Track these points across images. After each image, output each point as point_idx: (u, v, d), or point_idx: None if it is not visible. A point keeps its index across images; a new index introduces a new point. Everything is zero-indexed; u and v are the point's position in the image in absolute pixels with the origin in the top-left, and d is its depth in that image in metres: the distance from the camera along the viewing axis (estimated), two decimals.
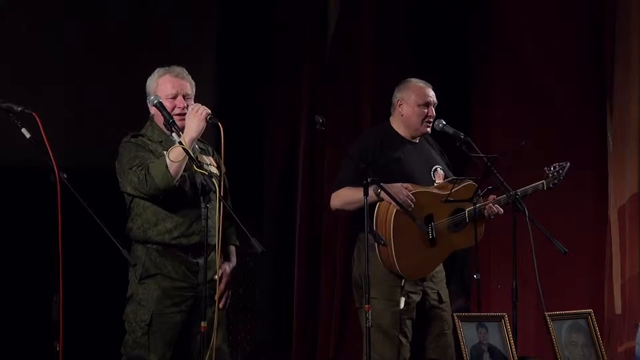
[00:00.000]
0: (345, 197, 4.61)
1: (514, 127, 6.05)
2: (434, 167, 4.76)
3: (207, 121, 3.87)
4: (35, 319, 4.41)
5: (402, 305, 4.56)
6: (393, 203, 4.44)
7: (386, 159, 4.65)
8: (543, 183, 4.68)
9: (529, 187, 4.65)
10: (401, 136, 4.76)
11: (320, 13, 6.77)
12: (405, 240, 4.52)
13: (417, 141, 4.79)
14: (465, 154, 4.67)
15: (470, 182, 4.65)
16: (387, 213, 4.52)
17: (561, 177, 4.69)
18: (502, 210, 4.64)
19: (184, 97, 4.04)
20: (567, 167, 4.69)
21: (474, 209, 4.59)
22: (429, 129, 4.75)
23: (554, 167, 4.69)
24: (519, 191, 4.59)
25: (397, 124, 4.78)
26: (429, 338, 4.69)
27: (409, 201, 4.48)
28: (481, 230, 4.69)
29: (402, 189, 4.49)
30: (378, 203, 4.52)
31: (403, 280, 4.56)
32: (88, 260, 5.40)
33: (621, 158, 5.78)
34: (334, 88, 6.69)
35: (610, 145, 5.86)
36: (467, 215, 4.61)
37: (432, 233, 4.58)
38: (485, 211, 4.63)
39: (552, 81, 6.09)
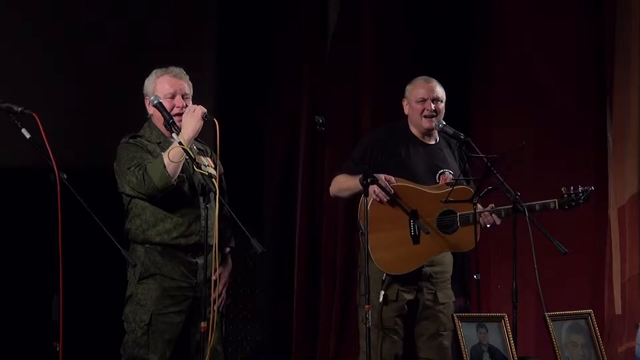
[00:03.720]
0: (339, 183, 4.68)
1: (514, 127, 6.05)
2: (442, 170, 4.71)
3: (203, 119, 3.88)
4: (35, 319, 4.41)
5: (380, 299, 4.52)
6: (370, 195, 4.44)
7: (387, 154, 4.65)
8: (555, 202, 4.52)
9: (536, 204, 4.52)
10: (413, 135, 4.75)
11: (320, 13, 6.77)
12: (382, 232, 4.49)
13: (432, 143, 4.76)
14: (465, 154, 4.66)
15: (465, 186, 4.61)
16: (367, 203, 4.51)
17: (580, 201, 4.50)
18: (499, 221, 4.55)
19: (182, 96, 4.05)
20: (589, 191, 4.51)
21: (475, 211, 4.54)
22: (431, 125, 4.68)
23: (574, 189, 4.51)
24: (526, 205, 4.46)
25: (410, 123, 4.79)
26: (422, 338, 4.66)
27: (381, 195, 4.45)
28: (477, 236, 4.60)
29: (381, 178, 4.43)
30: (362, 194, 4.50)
31: (384, 275, 4.54)
32: (88, 260, 5.39)
33: (621, 158, 5.78)
34: (334, 88, 6.69)
35: (610, 145, 5.86)
36: (458, 219, 4.58)
37: (414, 230, 4.55)
38: (481, 219, 4.55)
39: (552, 81, 6.09)
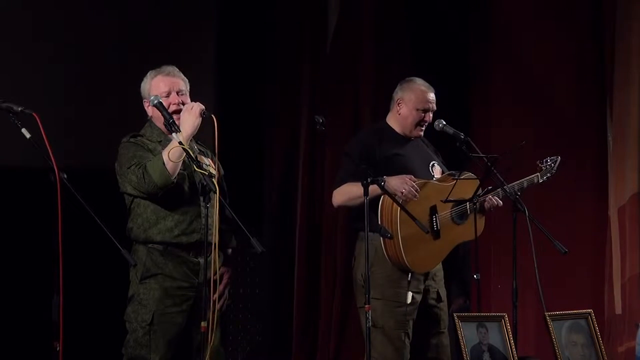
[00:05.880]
0: (348, 192, 4.60)
1: (514, 127, 6.05)
2: (432, 163, 4.77)
3: (201, 116, 3.89)
4: (35, 319, 4.41)
5: (409, 300, 4.54)
6: (397, 196, 4.45)
7: (386, 155, 4.66)
8: (537, 176, 4.69)
9: (524, 180, 4.67)
10: (398, 133, 4.77)
11: (320, 13, 6.77)
12: (412, 232, 4.49)
13: (413, 139, 4.80)
14: (465, 154, 4.67)
15: (472, 175, 4.66)
16: (392, 205, 4.50)
17: (553, 171, 4.70)
18: (501, 202, 4.66)
19: (177, 93, 4.06)
20: (558, 161, 4.70)
21: (476, 201, 4.59)
22: (421, 133, 4.78)
23: (546, 161, 4.71)
24: (515, 184, 4.61)
25: (394, 122, 4.79)
26: (426, 337, 4.68)
27: (414, 191, 4.48)
28: (481, 224, 4.69)
29: (405, 180, 4.49)
30: (382, 196, 4.51)
31: (410, 275, 4.55)
32: (88, 260, 5.40)
33: (621, 158, 5.78)
34: (334, 88, 6.69)
35: (610, 145, 5.86)
36: (468, 206, 4.61)
37: (436, 225, 4.58)
38: (486, 203, 4.65)
39: (552, 81, 6.09)
